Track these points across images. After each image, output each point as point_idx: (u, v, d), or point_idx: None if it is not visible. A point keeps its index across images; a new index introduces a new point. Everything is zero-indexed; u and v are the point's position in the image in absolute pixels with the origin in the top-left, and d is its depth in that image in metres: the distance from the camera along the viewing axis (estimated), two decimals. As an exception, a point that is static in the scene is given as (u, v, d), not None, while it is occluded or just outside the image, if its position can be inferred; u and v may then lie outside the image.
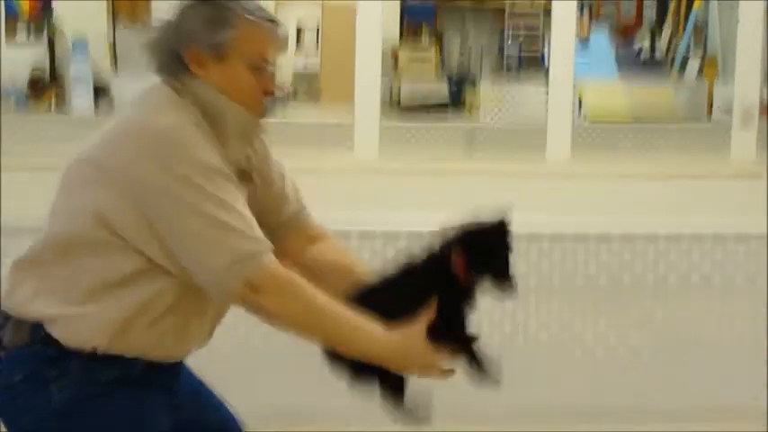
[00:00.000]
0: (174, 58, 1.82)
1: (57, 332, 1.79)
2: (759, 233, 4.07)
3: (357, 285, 1.96)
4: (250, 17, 1.84)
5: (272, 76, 1.89)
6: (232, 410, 2.04)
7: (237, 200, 1.78)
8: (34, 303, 1.80)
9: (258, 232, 1.78)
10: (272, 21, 1.88)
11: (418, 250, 1.95)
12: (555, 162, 4.30)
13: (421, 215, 4.01)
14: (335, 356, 1.90)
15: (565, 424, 3.99)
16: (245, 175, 1.87)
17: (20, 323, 1.81)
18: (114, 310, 1.78)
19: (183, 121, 1.76)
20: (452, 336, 1.88)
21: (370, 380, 1.92)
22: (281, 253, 1.81)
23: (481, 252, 1.89)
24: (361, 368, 1.89)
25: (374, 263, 3.78)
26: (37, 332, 1.79)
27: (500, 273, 1.89)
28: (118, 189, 1.73)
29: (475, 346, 1.90)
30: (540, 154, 4.34)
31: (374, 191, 3.94)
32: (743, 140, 4.45)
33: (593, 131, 5.82)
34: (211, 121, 1.81)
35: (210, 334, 1.95)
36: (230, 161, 1.81)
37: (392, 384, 1.91)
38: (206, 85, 1.81)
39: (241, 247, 1.74)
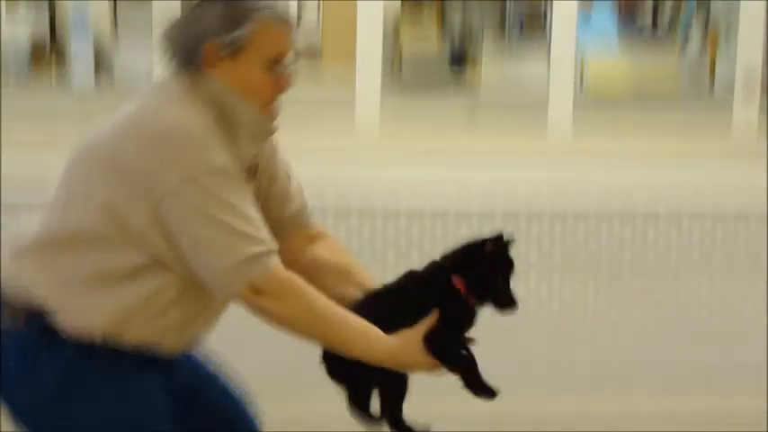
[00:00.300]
0: (190, 54, 1.81)
1: (55, 318, 1.79)
2: (760, 212, 4.06)
3: (358, 293, 1.98)
4: (269, 15, 1.83)
5: (287, 75, 1.89)
6: (245, 398, 2.03)
7: (245, 201, 1.79)
8: (34, 289, 1.80)
9: (264, 234, 1.80)
10: (290, 20, 1.88)
11: (420, 268, 1.98)
12: (556, 139, 4.29)
13: (421, 192, 4.02)
14: (334, 364, 1.93)
15: (565, 397, 4.01)
16: (251, 172, 1.88)
17: (16, 308, 1.81)
18: (116, 300, 1.78)
19: (196, 119, 1.75)
20: (450, 349, 1.88)
21: (368, 389, 1.95)
22: (280, 251, 1.82)
23: (481, 277, 1.91)
24: (358, 373, 1.91)
25: (375, 241, 3.80)
26: (33, 317, 1.80)
27: (500, 296, 1.92)
28: (129, 186, 1.74)
29: (471, 362, 1.91)
30: (542, 131, 4.32)
31: (375, 168, 3.93)
32: (744, 118, 4.43)
33: (595, 108, 5.79)
34: (223, 119, 1.81)
35: (211, 327, 1.96)
36: (239, 159, 1.81)
37: (391, 395, 1.95)
38: (220, 82, 1.81)
39: (246, 250, 1.75)
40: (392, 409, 1.99)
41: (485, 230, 4.43)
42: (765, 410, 3.90)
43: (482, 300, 1.93)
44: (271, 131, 1.93)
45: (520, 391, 3.97)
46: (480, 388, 1.91)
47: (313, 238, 2.08)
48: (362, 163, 3.92)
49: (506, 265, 1.93)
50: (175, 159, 1.72)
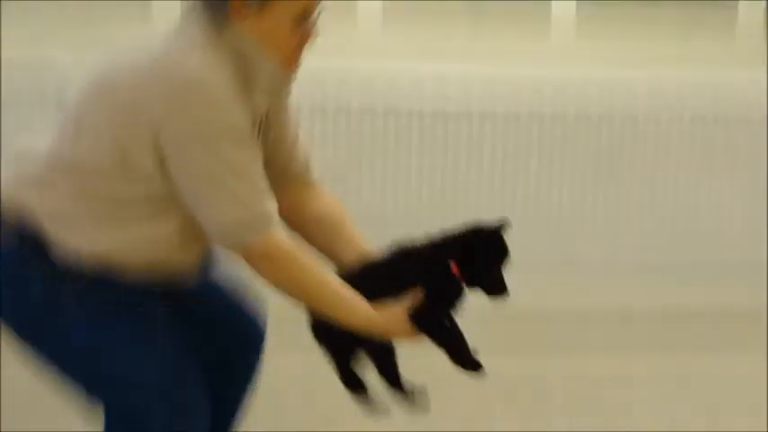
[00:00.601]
0: (217, 4, 1.78)
1: (50, 241, 1.79)
2: (760, 116, 4.06)
3: (349, 252, 2.03)
4: None
5: (313, 30, 1.87)
6: (257, 311, 2.05)
7: (252, 164, 1.79)
8: (32, 212, 1.80)
9: (266, 199, 1.81)
10: None
11: (416, 242, 1.99)
12: (558, 40, 4.25)
13: (421, 91, 4.00)
14: (322, 332, 1.98)
15: (563, 295, 4.06)
16: (261, 124, 1.88)
17: (10, 225, 1.82)
18: (117, 231, 1.80)
19: (218, 72, 1.74)
20: (437, 326, 1.93)
21: (354, 352, 1.98)
22: (278, 202, 1.84)
23: (479, 266, 1.92)
24: (346, 340, 1.96)
25: (377, 141, 3.80)
26: (28, 236, 1.80)
27: (494, 285, 1.93)
28: (142, 129, 1.73)
29: (457, 338, 1.94)
30: (545, 32, 4.29)
31: (376, 68, 3.91)
32: (748, 20, 4.39)
33: (599, 6, 5.74)
34: (243, 71, 1.79)
35: (210, 254, 1.98)
36: (253, 112, 1.81)
37: (379, 357, 1.98)
38: (244, 34, 1.78)
39: (245, 213, 1.76)
40: (385, 370, 2.04)
41: (485, 132, 4.46)
42: (765, 308, 3.94)
43: (475, 286, 1.95)
44: (288, 87, 1.93)
45: (519, 291, 4.03)
46: (467, 364, 1.95)
47: (311, 192, 2.11)
48: (364, 58, 3.89)
49: (503, 255, 1.95)
50: (190, 113, 1.71)
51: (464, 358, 1.92)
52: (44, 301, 1.81)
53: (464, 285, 1.92)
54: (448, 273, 1.90)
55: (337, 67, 3.80)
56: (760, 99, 4.08)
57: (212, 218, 1.78)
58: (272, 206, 1.82)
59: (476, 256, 1.91)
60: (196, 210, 1.79)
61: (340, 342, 1.98)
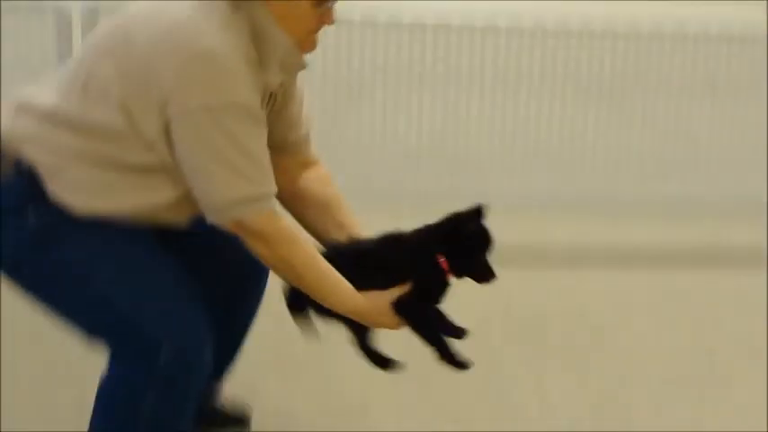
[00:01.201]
0: None
1: (44, 183, 1.78)
2: (763, 34, 4.02)
3: (337, 230, 2.05)
4: None
5: (332, 12, 1.83)
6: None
7: (256, 141, 1.77)
8: (31, 151, 1.78)
9: (266, 178, 1.80)
10: None
11: (404, 233, 1.98)
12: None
13: (426, 4, 3.96)
14: (294, 297, 1.99)
15: (561, 222, 4.07)
16: (270, 98, 1.85)
17: (8, 159, 1.80)
18: (111, 188, 1.79)
19: (233, 45, 1.71)
20: (425, 321, 1.95)
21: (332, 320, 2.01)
22: (275, 172, 1.82)
23: (460, 247, 1.93)
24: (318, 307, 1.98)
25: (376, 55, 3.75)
26: (24, 171, 1.79)
27: (481, 271, 1.95)
28: (149, 94, 1.71)
29: (440, 334, 1.95)
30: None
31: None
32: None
33: None
34: (259, 45, 1.76)
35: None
36: (264, 86, 1.79)
37: (354, 326, 2.02)
38: (263, 12, 1.75)
39: (243, 190, 1.75)
40: (360, 338, 2.06)
41: (487, 48, 4.41)
42: (765, 242, 3.96)
43: (463, 275, 1.96)
44: (302, 66, 1.91)
45: (517, 214, 4.04)
46: (451, 361, 1.97)
47: (308, 165, 2.11)
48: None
49: (486, 241, 1.96)
50: (200, 84, 1.69)
51: (449, 355, 1.95)
52: (41, 229, 1.79)
53: (451, 278, 1.95)
54: (436, 266, 1.92)
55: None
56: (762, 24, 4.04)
57: (211, 191, 1.77)
58: (272, 185, 1.82)
59: (462, 247, 1.93)
60: (195, 182, 1.77)
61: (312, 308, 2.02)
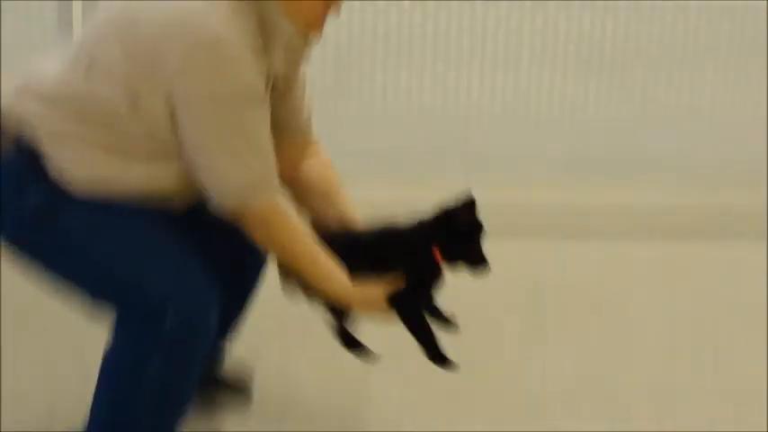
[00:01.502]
0: None
1: (46, 154, 1.77)
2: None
3: (337, 217, 2.07)
4: None
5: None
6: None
7: (260, 129, 1.79)
8: (32, 127, 1.78)
9: (267, 166, 1.81)
10: None
11: (400, 224, 1.99)
12: None
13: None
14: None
15: (563, 188, 4.08)
16: (275, 83, 1.85)
17: (8, 134, 1.80)
18: (114, 157, 1.78)
19: (240, 32, 1.70)
20: (417, 317, 1.98)
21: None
22: (277, 155, 1.83)
23: (454, 240, 1.94)
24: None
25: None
26: (24, 146, 1.78)
27: (474, 259, 1.96)
28: (156, 78, 1.70)
29: (431, 332, 1.98)
30: None
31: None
32: None
33: None
34: (264, 32, 1.76)
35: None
36: (268, 72, 1.79)
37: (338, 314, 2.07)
38: None
39: (250, 177, 1.78)
40: (338, 321, 2.09)
41: (488, 18, 4.39)
42: (765, 206, 3.96)
43: (457, 266, 1.97)
44: (306, 52, 1.91)
45: (519, 180, 4.04)
46: (439, 359, 2.00)
47: (308, 150, 2.11)
48: None
49: (478, 231, 1.98)
50: (205, 72, 1.69)
51: (436, 352, 1.97)
52: (42, 204, 1.79)
53: (444, 271, 1.96)
54: (431, 259, 1.94)
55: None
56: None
57: (216, 176, 1.78)
58: (274, 174, 1.83)
59: (456, 239, 1.95)
60: (199, 166, 1.78)
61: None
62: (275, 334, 2.68)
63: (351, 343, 2.09)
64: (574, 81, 4.27)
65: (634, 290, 3.32)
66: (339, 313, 2.08)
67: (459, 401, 2.44)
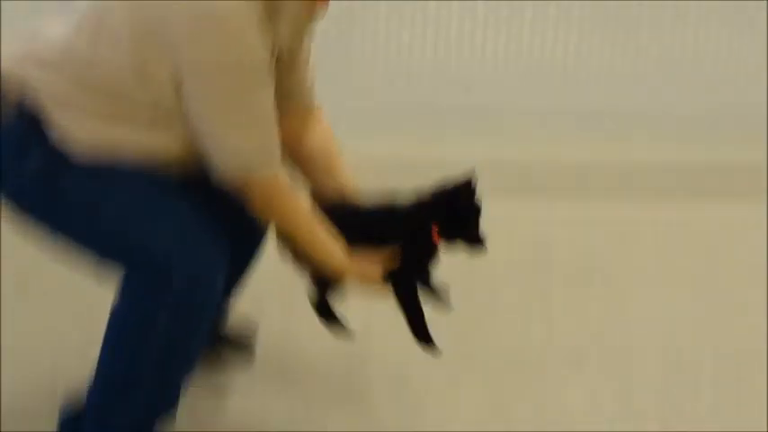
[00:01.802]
0: None
1: (49, 117, 1.76)
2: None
3: (336, 189, 2.08)
4: None
5: None
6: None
7: (265, 102, 1.78)
8: (34, 86, 1.76)
9: (271, 140, 1.82)
10: None
11: (399, 201, 2.01)
12: None
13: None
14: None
15: (565, 143, 4.08)
16: (279, 54, 1.84)
17: (9, 99, 1.78)
18: (118, 122, 1.77)
19: (247, 6, 1.68)
20: (411, 294, 1.99)
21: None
22: (280, 124, 1.83)
23: (453, 220, 1.95)
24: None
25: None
26: (26, 112, 1.77)
27: (472, 237, 1.97)
28: (164, 46, 1.69)
29: (422, 314, 2.00)
30: None
31: None
32: None
33: None
34: (270, 2, 1.74)
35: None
36: (274, 43, 1.79)
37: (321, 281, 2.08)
38: None
39: (254, 149, 1.78)
40: (321, 293, 2.10)
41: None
42: (765, 163, 3.96)
43: (454, 245, 1.97)
44: (311, 26, 1.90)
45: (520, 137, 4.04)
46: (424, 340, 2.02)
47: (311, 118, 2.11)
48: None
49: (477, 211, 1.99)
50: (213, 40, 1.68)
51: (424, 334, 2.00)
52: (43, 168, 1.78)
53: (441, 249, 1.97)
54: (429, 238, 1.95)
55: None
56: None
57: (219, 146, 1.78)
58: (277, 147, 1.83)
59: (454, 216, 1.95)
60: (203, 135, 1.78)
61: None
62: (278, 291, 2.69)
63: (328, 316, 2.12)
64: (576, 37, 4.25)
65: (635, 248, 3.33)
66: (323, 285, 2.09)
67: (464, 358, 2.45)
